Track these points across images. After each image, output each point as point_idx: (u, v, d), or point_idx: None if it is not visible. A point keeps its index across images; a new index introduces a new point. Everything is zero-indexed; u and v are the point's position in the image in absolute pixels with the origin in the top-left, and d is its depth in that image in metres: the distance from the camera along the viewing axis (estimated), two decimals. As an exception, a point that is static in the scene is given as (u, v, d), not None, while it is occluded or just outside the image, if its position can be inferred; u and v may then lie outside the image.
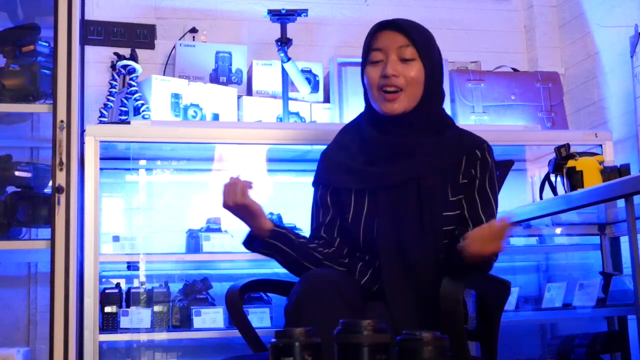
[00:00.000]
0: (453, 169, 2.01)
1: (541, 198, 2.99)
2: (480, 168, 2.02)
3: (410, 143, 2.02)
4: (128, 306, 2.92)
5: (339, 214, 2.07)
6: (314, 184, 2.15)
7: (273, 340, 1.37)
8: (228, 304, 2.04)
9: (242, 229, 3.23)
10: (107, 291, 2.91)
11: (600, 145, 3.18)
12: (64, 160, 2.72)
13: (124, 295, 2.95)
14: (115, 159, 3.13)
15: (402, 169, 1.99)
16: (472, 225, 1.97)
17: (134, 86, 3.18)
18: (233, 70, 3.46)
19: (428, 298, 1.86)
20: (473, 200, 2.00)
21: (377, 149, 2.03)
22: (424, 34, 2.05)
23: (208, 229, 3.06)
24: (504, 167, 2.21)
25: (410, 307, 1.89)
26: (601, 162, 2.76)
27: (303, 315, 1.73)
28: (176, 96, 3.18)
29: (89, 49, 3.44)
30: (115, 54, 3.41)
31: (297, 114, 3.37)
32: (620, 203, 2.49)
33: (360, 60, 2.10)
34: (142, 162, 3.26)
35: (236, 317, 2.03)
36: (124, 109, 3.18)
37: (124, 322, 2.86)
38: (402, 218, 1.96)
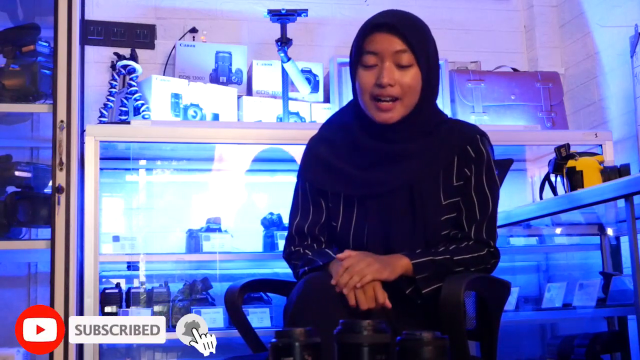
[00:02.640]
0: (445, 170, 1.95)
1: (541, 198, 2.98)
2: (474, 165, 1.95)
3: (402, 148, 1.95)
4: (128, 306, 2.92)
5: (327, 217, 2.03)
6: (300, 176, 2.07)
7: (273, 340, 1.37)
8: (227, 303, 2.02)
9: (241, 229, 3.24)
10: (107, 291, 2.90)
11: (600, 145, 3.18)
12: (64, 160, 2.72)
13: (124, 295, 2.95)
14: (115, 159, 3.13)
15: (394, 176, 1.93)
16: (467, 227, 1.93)
17: (134, 86, 3.18)
18: (233, 70, 3.46)
19: (424, 301, 1.84)
20: (470, 200, 1.94)
21: (368, 155, 1.96)
22: (420, 33, 1.94)
23: (208, 229, 3.06)
24: (503, 166, 2.19)
25: (406, 312, 1.88)
26: (601, 162, 2.75)
27: (304, 317, 1.70)
28: (176, 96, 3.18)
29: (89, 49, 3.44)
30: (115, 54, 3.41)
31: (297, 114, 3.37)
32: (620, 203, 2.48)
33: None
34: (142, 162, 3.26)
35: (235, 317, 2.01)
36: (124, 109, 3.18)
37: (124, 322, 2.86)
38: (392, 225, 1.92)
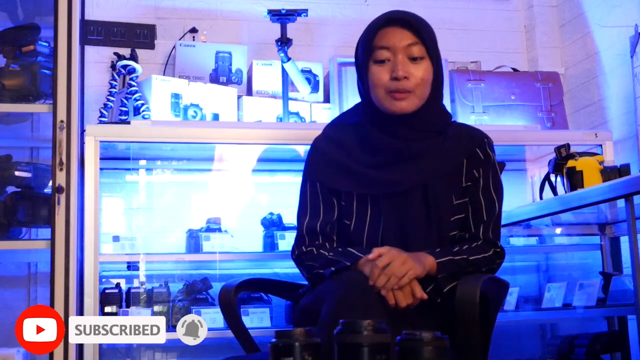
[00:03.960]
0: (455, 171, 1.98)
1: (541, 198, 2.99)
2: (482, 168, 1.99)
3: (415, 147, 1.96)
4: (128, 306, 2.92)
5: (338, 216, 2.03)
6: (308, 176, 2.06)
7: (273, 340, 1.37)
8: (221, 303, 2.01)
9: (241, 229, 3.24)
10: (107, 291, 2.91)
11: (600, 145, 3.18)
12: (64, 160, 2.72)
13: (124, 295, 2.95)
14: (115, 159, 3.13)
15: (408, 175, 1.95)
16: (474, 227, 1.96)
17: (134, 86, 3.18)
18: (233, 70, 3.46)
19: (439, 301, 1.85)
20: (477, 201, 1.98)
21: (381, 153, 1.98)
22: (430, 29, 1.99)
23: (208, 229, 3.06)
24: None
25: (424, 311, 1.87)
26: (601, 162, 2.76)
27: (350, 314, 1.66)
28: (176, 96, 3.18)
29: (89, 49, 3.44)
30: (115, 54, 3.41)
31: (297, 114, 3.37)
32: (620, 203, 2.48)
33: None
34: (142, 162, 3.26)
35: (229, 317, 2.01)
36: (124, 109, 3.18)
37: (123, 322, 2.86)
38: (408, 225, 1.94)
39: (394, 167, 1.96)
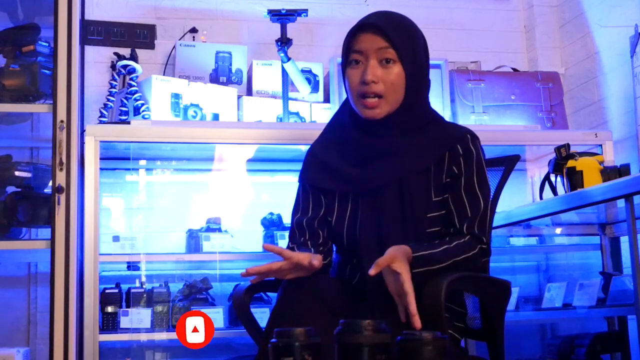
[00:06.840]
0: (436, 168, 1.96)
1: (541, 198, 2.99)
2: (464, 163, 1.95)
3: (391, 144, 1.97)
4: (128, 306, 2.92)
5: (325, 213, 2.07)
6: (300, 177, 2.12)
7: (273, 340, 1.37)
8: (235, 305, 2.07)
9: (241, 229, 3.24)
10: (107, 291, 2.91)
11: (600, 145, 3.18)
12: (64, 160, 2.72)
13: (124, 295, 2.95)
14: (115, 159, 3.13)
15: (383, 171, 1.96)
16: (459, 224, 1.92)
17: (134, 86, 3.18)
18: (233, 70, 3.46)
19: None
20: (460, 199, 1.94)
21: (358, 150, 2.00)
22: (405, 32, 1.97)
23: (208, 229, 3.06)
24: (510, 162, 2.18)
25: (393, 309, 1.87)
26: (601, 162, 2.75)
27: (281, 323, 1.74)
28: (176, 96, 3.18)
29: (89, 49, 3.44)
30: (115, 54, 3.41)
31: (297, 114, 3.37)
32: (620, 203, 2.49)
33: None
34: (142, 162, 3.26)
35: (243, 317, 2.06)
36: (124, 109, 3.18)
37: (124, 322, 2.86)
38: (383, 221, 1.94)
39: (370, 164, 1.98)
